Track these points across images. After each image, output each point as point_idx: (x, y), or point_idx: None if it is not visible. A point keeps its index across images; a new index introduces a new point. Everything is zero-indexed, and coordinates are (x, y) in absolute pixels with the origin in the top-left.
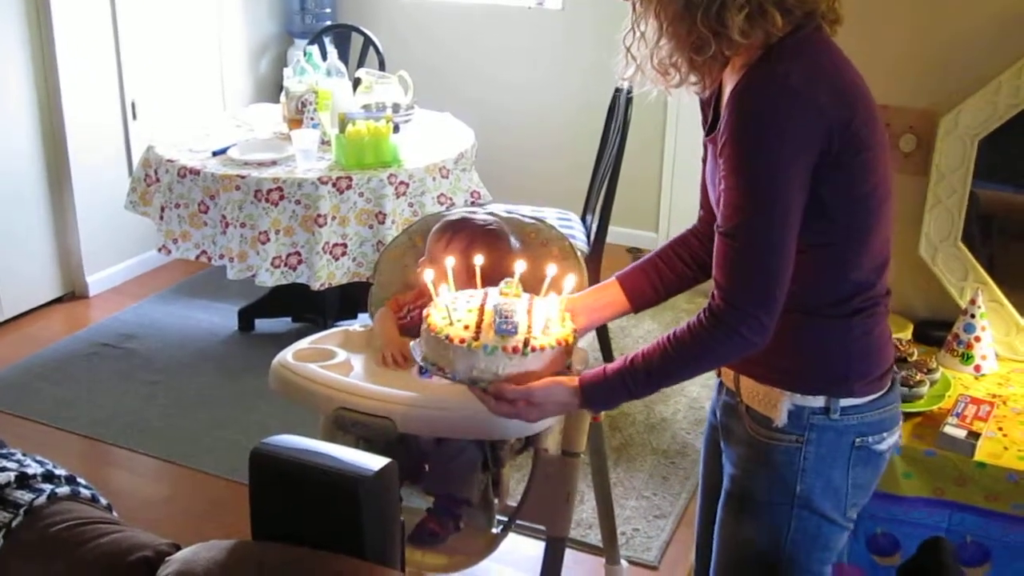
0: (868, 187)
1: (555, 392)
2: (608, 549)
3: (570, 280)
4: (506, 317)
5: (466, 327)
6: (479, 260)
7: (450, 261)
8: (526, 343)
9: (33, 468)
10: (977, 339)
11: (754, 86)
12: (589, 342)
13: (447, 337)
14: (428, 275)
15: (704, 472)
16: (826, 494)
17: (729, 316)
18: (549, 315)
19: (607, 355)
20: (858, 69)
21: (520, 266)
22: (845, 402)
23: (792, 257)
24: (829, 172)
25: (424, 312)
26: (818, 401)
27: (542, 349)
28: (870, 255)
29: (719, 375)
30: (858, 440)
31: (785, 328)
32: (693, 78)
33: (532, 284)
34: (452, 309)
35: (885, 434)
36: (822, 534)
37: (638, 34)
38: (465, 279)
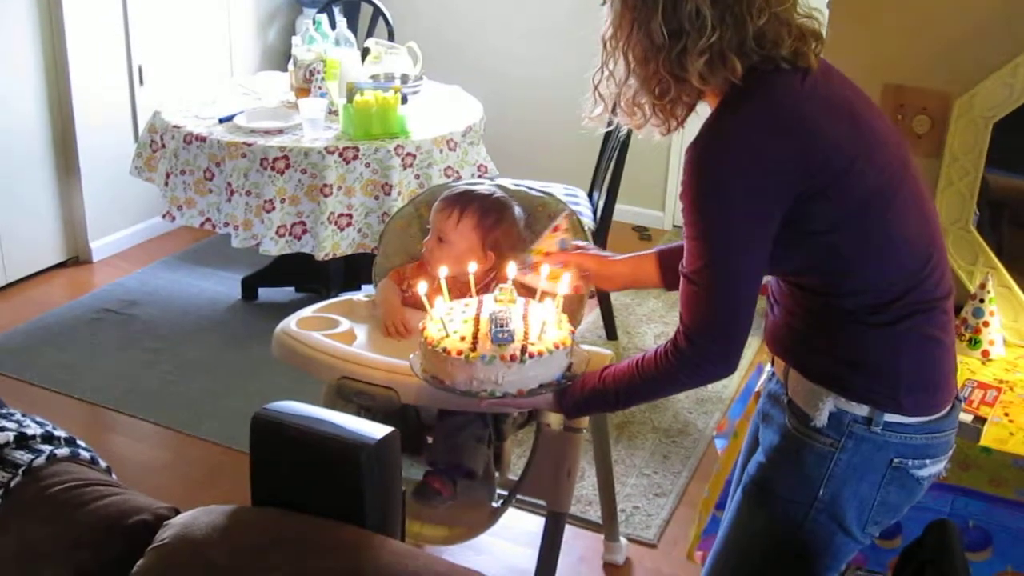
0: (862, 198)
1: (538, 399)
2: (608, 526)
3: (565, 280)
4: (502, 325)
5: (462, 338)
6: (473, 267)
7: (443, 271)
8: (523, 350)
9: (32, 429)
10: (985, 324)
11: (701, 141)
12: (593, 320)
13: (444, 350)
14: (422, 288)
15: (745, 456)
16: (849, 505)
17: (691, 352)
18: (545, 319)
19: (610, 333)
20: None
21: (512, 270)
22: (891, 417)
23: (753, 294)
24: (809, 203)
25: (420, 325)
26: (861, 410)
27: (540, 355)
28: (898, 256)
29: (772, 363)
30: (896, 460)
31: (834, 333)
32: (655, 120)
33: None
34: (448, 320)
35: (928, 461)
36: (834, 543)
37: (607, 73)
38: (481, 256)
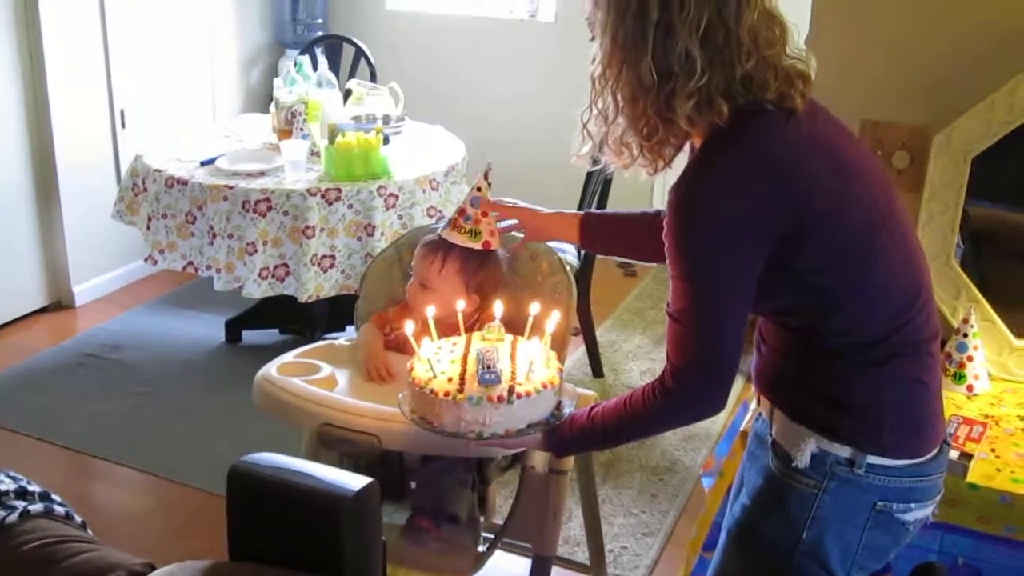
0: (846, 238)
1: (526, 438)
2: (595, 567)
3: (554, 318)
4: (488, 366)
5: (450, 379)
6: (461, 305)
7: (431, 311)
8: (511, 390)
9: (6, 484)
10: (970, 358)
11: (685, 181)
12: (579, 357)
13: (431, 391)
14: (409, 328)
15: (733, 497)
16: (833, 548)
17: (678, 391)
18: (533, 358)
19: (596, 370)
20: (816, 133)
21: (499, 308)
22: (874, 459)
23: (739, 333)
24: (793, 244)
25: (408, 365)
26: (844, 451)
27: (528, 395)
28: (882, 297)
29: (758, 402)
30: (880, 503)
31: (817, 373)
32: (643, 160)
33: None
34: (435, 361)
35: (914, 505)
36: None
37: (595, 111)
38: (465, 299)
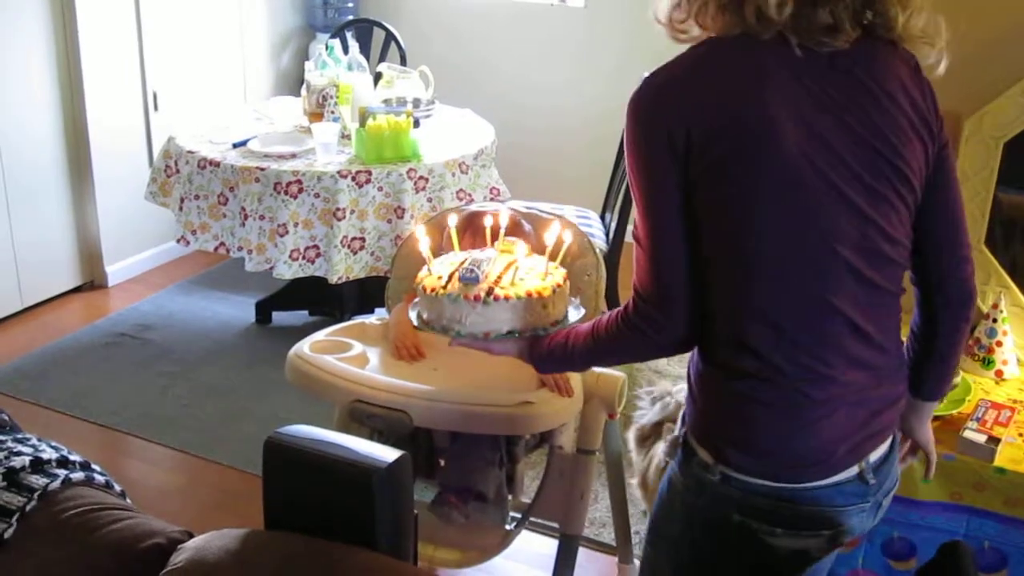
0: (738, 234)
1: (510, 345)
2: (621, 548)
3: (558, 233)
4: (473, 267)
5: (439, 276)
6: (488, 221)
7: (452, 220)
8: (489, 291)
9: (48, 453)
10: (999, 343)
11: (635, 89)
12: None
13: (423, 287)
14: (424, 245)
15: None
16: (707, 555)
17: (633, 315)
18: (530, 268)
19: None
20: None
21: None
22: (725, 469)
23: (681, 262)
24: (692, 193)
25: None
26: (702, 453)
27: (506, 299)
28: (750, 313)
29: None
30: (738, 517)
31: (693, 356)
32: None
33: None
34: (441, 263)
35: (780, 530)
36: None
37: None
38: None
